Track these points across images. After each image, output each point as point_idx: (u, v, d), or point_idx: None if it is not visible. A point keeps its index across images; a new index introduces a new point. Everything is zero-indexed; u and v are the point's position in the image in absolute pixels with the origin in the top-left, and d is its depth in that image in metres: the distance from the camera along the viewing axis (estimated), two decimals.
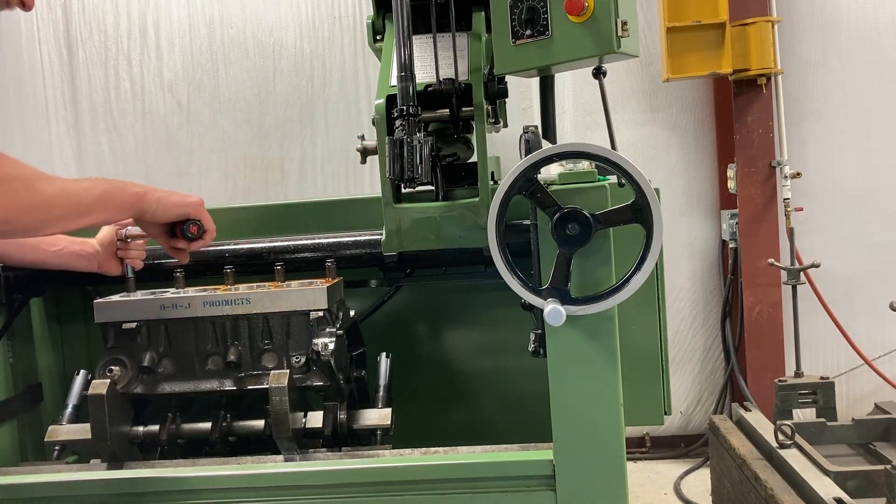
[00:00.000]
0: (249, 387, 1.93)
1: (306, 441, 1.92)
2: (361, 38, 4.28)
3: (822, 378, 3.09)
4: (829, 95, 4.21)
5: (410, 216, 1.89)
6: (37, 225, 1.40)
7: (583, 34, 1.70)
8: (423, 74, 1.94)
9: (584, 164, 1.63)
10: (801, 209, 4.02)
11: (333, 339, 1.86)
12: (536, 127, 1.74)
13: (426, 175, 1.75)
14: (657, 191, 1.54)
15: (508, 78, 1.99)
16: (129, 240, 1.98)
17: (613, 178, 1.63)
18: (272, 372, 1.86)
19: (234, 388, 1.94)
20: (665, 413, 2.01)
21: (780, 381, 3.09)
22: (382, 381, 2.05)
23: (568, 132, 4.30)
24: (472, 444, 1.85)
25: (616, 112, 3.79)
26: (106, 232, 1.97)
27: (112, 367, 1.90)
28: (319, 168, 4.50)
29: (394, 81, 1.89)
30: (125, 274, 2.01)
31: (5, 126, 4.57)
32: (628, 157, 1.51)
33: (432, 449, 1.87)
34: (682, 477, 4.02)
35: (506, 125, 2.35)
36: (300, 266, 2.10)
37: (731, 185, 4.14)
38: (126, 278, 2.01)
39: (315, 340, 1.87)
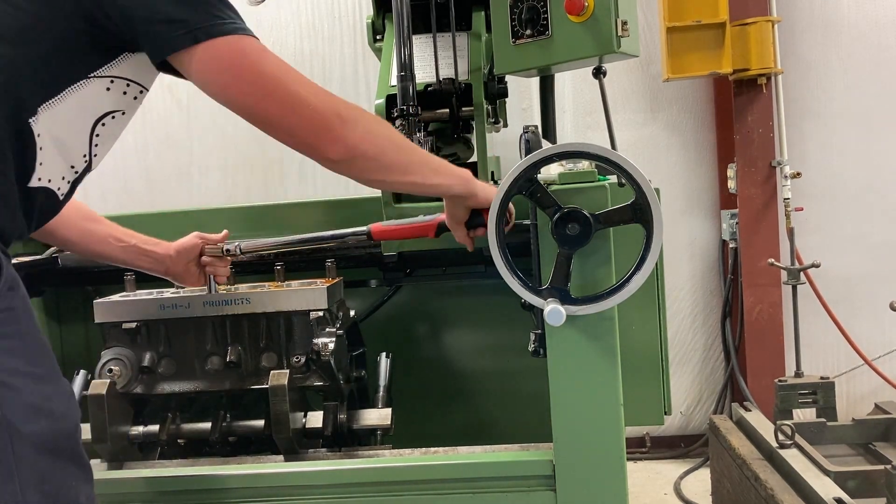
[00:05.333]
0: (249, 387, 1.93)
1: (306, 441, 1.92)
2: (361, 38, 4.27)
3: (822, 378, 3.09)
4: (829, 95, 4.20)
5: (410, 216, 1.88)
6: (405, 167, 1.43)
7: (583, 34, 1.70)
8: (423, 74, 1.94)
9: (584, 164, 1.63)
10: (801, 209, 4.01)
11: (333, 339, 1.86)
12: (536, 127, 1.74)
13: None
14: (657, 191, 1.54)
15: (508, 78, 2.00)
16: (228, 255, 1.87)
17: (613, 178, 1.63)
18: (272, 372, 1.86)
19: (234, 388, 1.94)
20: (665, 413, 2.01)
21: (780, 381, 3.09)
22: (382, 381, 2.05)
23: (568, 132, 4.29)
24: (472, 444, 1.85)
25: (616, 112, 3.78)
26: (187, 239, 1.87)
27: (112, 367, 1.90)
28: (319, 168, 4.46)
29: (394, 81, 1.89)
30: (209, 288, 1.90)
31: None
32: (628, 157, 1.51)
33: (432, 449, 1.87)
34: (682, 477, 4.01)
35: (506, 125, 2.36)
36: (300, 266, 2.10)
37: (731, 185, 4.14)
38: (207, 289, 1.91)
39: (315, 340, 1.87)
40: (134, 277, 2.00)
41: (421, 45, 1.97)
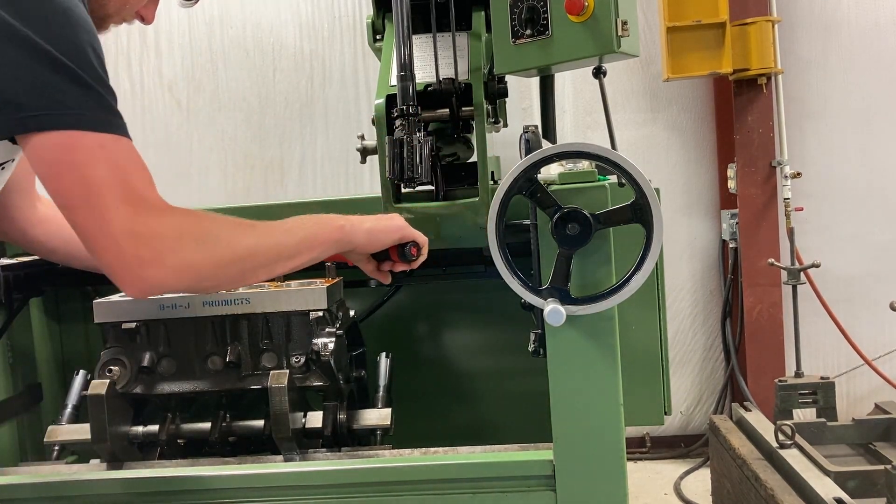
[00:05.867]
0: (249, 387, 1.93)
1: (306, 441, 1.92)
2: (361, 38, 4.28)
3: (822, 378, 3.09)
4: (829, 95, 4.21)
5: (410, 216, 1.88)
6: (240, 276, 1.35)
7: (583, 34, 1.70)
8: (423, 74, 1.94)
9: (584, 164, 1.63)
10: (801, 209, 4.02)
11: (333, 339, 1.86)
12: (536, 127, 1.74)
13: (426, 175, 1.74)
14: (657, 191, 1.54)
15: (508, 78, 1.99)
16: None
17: (613, 178, 1.63)
18: (272, 372, 1.85)
19: (234, 388, 1.93)
20: (665, 413, 2.01)
21: (780, 381, 3.10)
22: (382, 381, 2.05)
23: (568, 132, 4.30)
24: (472, 444, 1.85)
25: (616, 112, 3.79)
26: None
27: (111, 367, 1.90)
28: (319, 168, 4.50)
29: (394, 81, 1.89)
30: None
31: None
32: (628, 157, 1.51)
33: (432, 449, 1.87)
34: (682, 477, 4.02)
35: (506, 125, 2.35)
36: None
37: (731, 185, 4.14)
38: None
39: (315, 340, 1.87)
40: None
41: (421, 45, 1.97)
